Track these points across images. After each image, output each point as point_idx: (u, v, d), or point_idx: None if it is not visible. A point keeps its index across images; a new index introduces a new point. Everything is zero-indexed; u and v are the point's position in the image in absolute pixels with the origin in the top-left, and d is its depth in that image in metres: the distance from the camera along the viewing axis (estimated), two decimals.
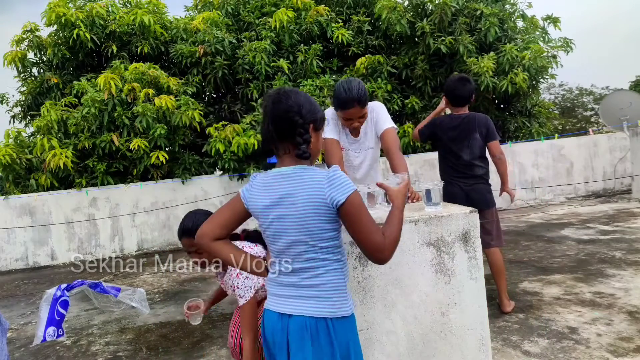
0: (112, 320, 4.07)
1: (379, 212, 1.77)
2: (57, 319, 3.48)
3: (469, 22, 8.65)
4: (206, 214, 2.04)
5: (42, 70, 9.44)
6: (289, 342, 1.37)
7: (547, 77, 9.31)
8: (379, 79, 8.60)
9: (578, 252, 4.82)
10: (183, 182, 8.08)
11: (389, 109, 8.26)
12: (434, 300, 1.73)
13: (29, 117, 9.36)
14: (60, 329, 3.49)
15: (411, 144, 8.41)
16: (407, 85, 9.16)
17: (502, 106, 9.85)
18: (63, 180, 8.09)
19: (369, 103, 2.49)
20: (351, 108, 2.31)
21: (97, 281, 4.03)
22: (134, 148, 7.54)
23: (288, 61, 8.75)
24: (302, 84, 8.37)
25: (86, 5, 8.90)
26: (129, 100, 7.88)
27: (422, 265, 1.73)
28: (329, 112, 2.52)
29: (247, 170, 7.93)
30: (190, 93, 8.38)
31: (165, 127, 7.71)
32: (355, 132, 2.59)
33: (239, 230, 1.94)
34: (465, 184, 3.30)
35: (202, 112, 8.13)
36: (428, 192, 1.86)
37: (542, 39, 9.46)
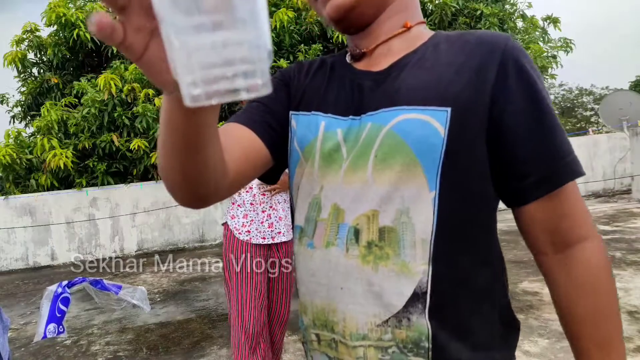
0: (112, 320, 4.07)
1: None
2: (58, 315, 3.49)
3: (469, 22, 8.66)
4: None
5: (42, 71, 9.44)
6: None
7: (547, 77, 9.33)
8: None
9: None
10: None
11: None
12: None
13: (29, 117, 9.36)
14: (60, 326, 3.50)
15: None
16: None
17: None
18: (63, 180, 8.09)
19: None
20: None
21: (98, 278, 4.04)
22: (134, 148, 7.54)
23: (288, 61, 8.75)
24: None
25: (86, 5, 8.91)
26: (129, 101, 7.87)
27: None
28: None
29: None
30: None
31: None
32: None
33: None
34: None
35: None
36: None
37: (542, 39, 9.46)
